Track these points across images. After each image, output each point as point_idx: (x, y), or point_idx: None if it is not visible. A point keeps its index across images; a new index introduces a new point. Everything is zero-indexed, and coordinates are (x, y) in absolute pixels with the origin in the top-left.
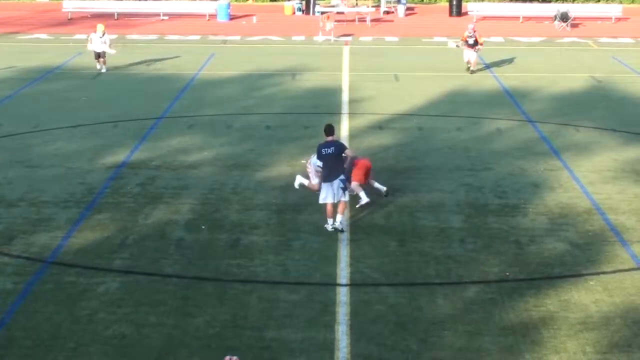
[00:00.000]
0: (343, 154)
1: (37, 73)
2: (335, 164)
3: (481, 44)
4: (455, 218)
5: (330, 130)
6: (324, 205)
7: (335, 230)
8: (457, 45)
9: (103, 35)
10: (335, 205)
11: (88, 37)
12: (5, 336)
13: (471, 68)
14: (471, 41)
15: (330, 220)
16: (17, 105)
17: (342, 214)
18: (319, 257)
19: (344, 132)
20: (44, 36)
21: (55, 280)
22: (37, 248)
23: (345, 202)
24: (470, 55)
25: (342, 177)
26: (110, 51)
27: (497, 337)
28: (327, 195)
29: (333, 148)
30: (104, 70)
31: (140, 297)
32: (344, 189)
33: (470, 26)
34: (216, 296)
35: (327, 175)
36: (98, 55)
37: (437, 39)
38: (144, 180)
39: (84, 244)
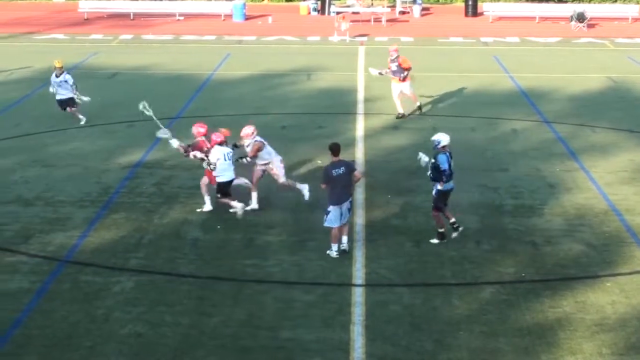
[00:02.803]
0: (354, 173)
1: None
2: (346, 185)
3: (407, 68)
4: (470, 218)
5: (337, 149)
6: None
7: (343, 251)
8: (381, 73)
9: (60, 74)
10: (340, 227)
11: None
12: (22, 335)
13: (417, 103)
14: (394, 67)
15: (334, 246)
16: (34, 105)
17: (346, 234)
18: (335, 258)
19: (359, 132)
20: (60, 36)
21: (72, 279)
22: (54, 247)
23: (347, 224)
24: (401, 89)
25: (350, 199)
26: (83, 98)
27: (513, 338)
28: (335, 218)
29: (343, 168)
30: (82, 123)
31: (155, 297)
32: (350, 210)
33: (392, 48)
34: (231, 296)
35: (337, 198)
36: (64, 105)
37: (452, 39)
38: (160, 180)
39: (100, 243)
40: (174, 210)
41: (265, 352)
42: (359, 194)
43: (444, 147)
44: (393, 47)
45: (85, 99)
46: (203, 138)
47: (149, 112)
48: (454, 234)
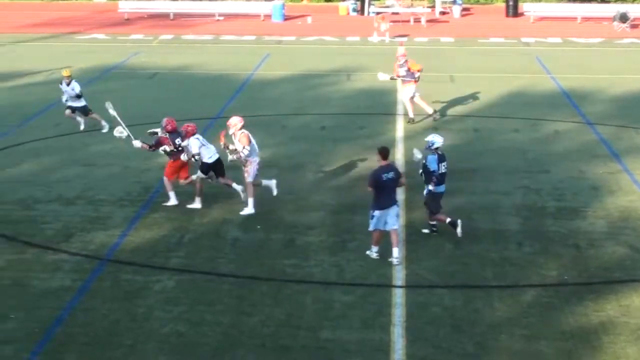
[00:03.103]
0: (400, 180)
1: (94, 73)
2: (393, 189)
3: (418, 70)
4: (512, 220)
5: (387, 153)
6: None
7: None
8: (392, 78)
9: (69, 82)
10: (387, 234)
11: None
12: (64, 333)
13: (429, 111)
14: (402, 71)
15: (375, 248)
16: None
17: (397, 246)
18: (374, 259)
19: (399, 132)
20: (101, 36)
21: (113, 277)
22: (95, 246)
23: (397, 230)
24: (408, 93)
25: (398, 203)
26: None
27: (555, 341)
28: (379, 222)
29: (392, 173)
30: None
31: (196, 296)
32: (398, 215)
33: (401, 51)
34: (271, 296)
35: (384, 202)
36: (85, 112)
37: (493, 39)
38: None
39: (140, 242)
40: (214, 210)
41: (305, 352)
42: (399, 194)
43: (436, 148)
44: (401, 51)
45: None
46: (166, 135)
47: (113, 112)
48: (459, 230)
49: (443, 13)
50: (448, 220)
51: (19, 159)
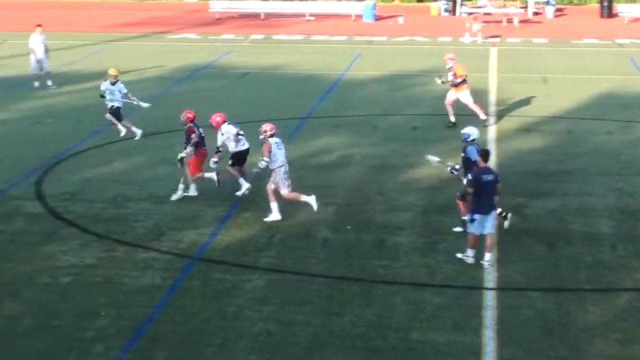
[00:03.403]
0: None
1: (185, 72)
2: (492, 194)
3: (460, 76)
4: (605, 223)
5: (488, 155)
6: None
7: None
8: (443, 81)
9: (115, 82)
10: (482, 238)
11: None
12: (154, 331)
13: (481, 117)
14: (450, 76)
15: (471, 252)
16: (165, 103)
17: (491, 250)
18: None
19: (491, 134)
20: (192, 36)
21: (203, 276)
22: (185, 244)
23: (493, 234)
24: (457, 96)
25: (495, 210)
26: (142, 104)
27: None
28: (478, 226)
29: (492, 176)
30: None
31: (286, 296)
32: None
33: (447, 57)
34: (361, 296)
35: (485, 205)
36: (119, 115)
37: (586, 40)
38: (290, 179)
39: (230, 242)
40: (304, 210)
41: (396, 353)
42: None
43: (473, 140)
44: (448, 55)
45: (145, 104)
46: (191, 124)
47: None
48: (506, 224)
49: (536, 14)
50: (499, 211)
51: (110, 158)
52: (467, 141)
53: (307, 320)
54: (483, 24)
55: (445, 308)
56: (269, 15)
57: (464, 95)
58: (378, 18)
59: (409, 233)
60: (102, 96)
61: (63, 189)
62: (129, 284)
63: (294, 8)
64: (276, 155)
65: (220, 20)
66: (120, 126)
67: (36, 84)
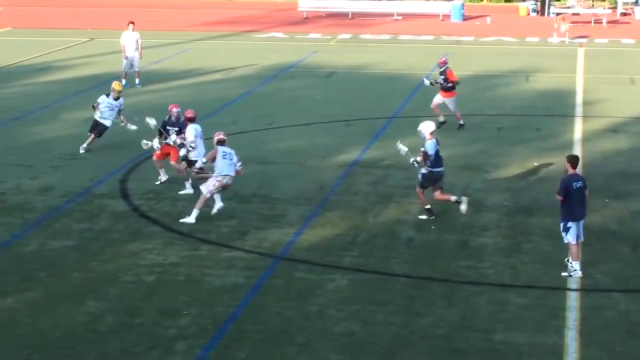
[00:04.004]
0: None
1: (272, 71)
2: (582, 200)
3: (452, 81)
4: None
5: (577, 162)
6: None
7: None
8: (432, 83)
9: (118, 98)
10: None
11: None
12: (237, 329)
13: (459, 122)
14: (441, 79)
15: (576, 264)
16: (252, 102)
17: (578, 259)
18: (550, 261)
19: (576, 134)
20: (279, 35)
21: (286, 275)
22: (269, 244)
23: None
24: (443, 101)
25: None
26: (131, 127)
27: None
28: (575, 234)
29: (581, 182)
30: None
31: (369, 295)
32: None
33: (442, 58)
34: (444, 297)
35: (578, 212)
36: (101, 131)
37: None
38: (375, 179)
39: (314, 241)
40: (388, 210)
41: (478, 354)
42: None
43: (431, 133)
44: (443, 57)
45: (133, 127)
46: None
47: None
48: (463, 207)
49: (624, 14)
50: (453, 198)
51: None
52: (424, 139)
53: (389, 320)
54: (571, 24)
55: (528, 309)
56: (356, 15)
57: (451, 102)
58: (466, 18)
59: (494, 234)
60: (94, 107)
61: (148, 187)
62: (212, 283)
63: (382, 7)
64: (218, 164)
65: (308, 19)
66: (91, 139)
67: (123, 81)
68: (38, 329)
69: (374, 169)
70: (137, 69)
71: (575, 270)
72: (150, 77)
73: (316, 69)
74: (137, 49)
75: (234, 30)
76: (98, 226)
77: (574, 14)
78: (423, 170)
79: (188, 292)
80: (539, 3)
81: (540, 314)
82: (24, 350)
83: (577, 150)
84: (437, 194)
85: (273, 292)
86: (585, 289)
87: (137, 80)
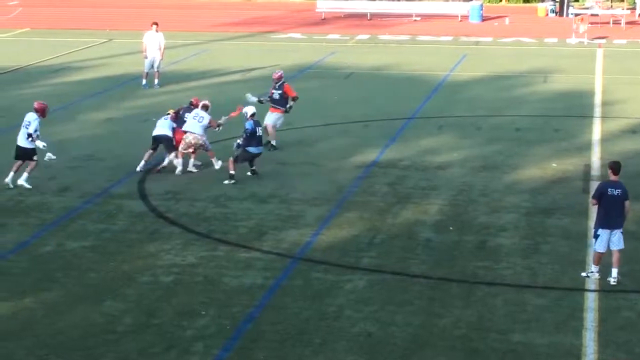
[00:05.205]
0: (625, 202)
1: (290, 72)
2: (620, 208)
3: (293, 98)
4: None
5: (619, 168)
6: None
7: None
8: (260, 100)
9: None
10: (607, 255)
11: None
12: (254, 330)
13: (270, 141)
14: (277, 95)
15: (595, 268)
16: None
17: (618, 265)
18: (568, 262)
19: (595, 135)
20: (297, 35)
21: (304, 276)
22: (287, 244)
23: (620, 250)
24: (272, 119)
25: (621, 229)
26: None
27: None
28: (603, 242)
29: (620, 191)
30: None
31: (386, 296)
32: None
33: (276, 74)
34: (462, 297)
35: (611, 221)
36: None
37: None
38: (393, 180)
39: (332, 242)
40: (406, 211)
41: (496, 355)
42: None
43: (252, 115)
44: (277, 72)
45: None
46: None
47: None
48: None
49: None
50: (232, 172)
51: None
52: (246, 118)
53: (407, 321)
54: (590, 25)
55: (546, 310)
56: (375, 16)
57: (278, 118)
58: (484, 19)
59: (512, 234)
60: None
61: (166, 187)
62: (230, 284)
63: (401, 8)
64: (188, 122)
65: (326, 20)
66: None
67: (143, 81)
68: (56, 329)
69: (392, 170)
70: (157, 70)
71: (592, 272)
72: (169, 78)
73: (334, 69)
74: (159, 49)
75: (252, 31)
76: (116, 227)
77: (592, 15)
78: (239, 141)
79: (206, 293)
80: (557, 4)
81: (558, 315)
82: (41, 350)
83: (596, 151)
84: (231, 161)
85: (291, 292)
86: (603, 290)
87: (156, 81)
